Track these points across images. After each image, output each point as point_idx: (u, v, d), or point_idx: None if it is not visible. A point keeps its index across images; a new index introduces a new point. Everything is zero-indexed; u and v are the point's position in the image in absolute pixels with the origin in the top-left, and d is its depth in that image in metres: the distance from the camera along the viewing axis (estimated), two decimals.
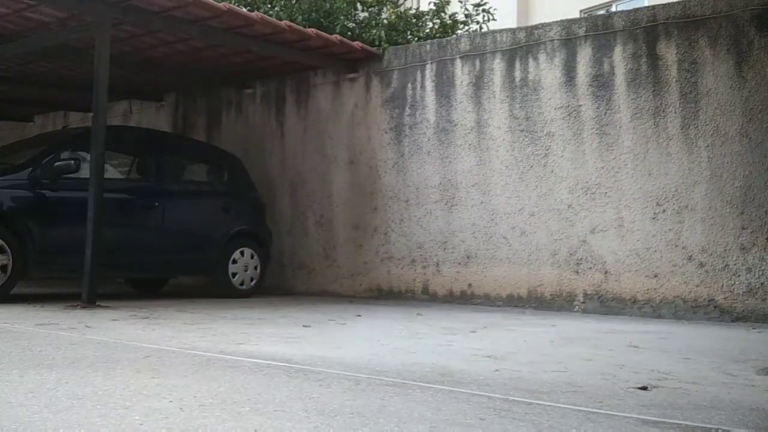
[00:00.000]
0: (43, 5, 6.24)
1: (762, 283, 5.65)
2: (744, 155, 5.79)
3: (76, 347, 3.52)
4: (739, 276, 5.73)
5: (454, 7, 9.84)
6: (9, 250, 5.87)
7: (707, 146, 5.94)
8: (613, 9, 12.13)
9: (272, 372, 2.94)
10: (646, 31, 6.29)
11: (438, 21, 9.43)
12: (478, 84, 7.17)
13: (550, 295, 6.61)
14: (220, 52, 7.77)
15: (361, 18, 8.91)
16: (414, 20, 9.26)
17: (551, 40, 6.78)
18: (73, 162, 6.27)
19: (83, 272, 5.94)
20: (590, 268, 6.40)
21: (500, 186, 6.96)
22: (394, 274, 7.62)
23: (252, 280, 7.62)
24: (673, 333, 4.87)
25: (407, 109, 7.65)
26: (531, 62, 6.87)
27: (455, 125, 7.29)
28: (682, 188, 6.03)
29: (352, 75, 8.08)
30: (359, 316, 5.66)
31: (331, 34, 7.66)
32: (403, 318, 5.59)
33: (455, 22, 9.55)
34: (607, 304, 6.30)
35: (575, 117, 6.57)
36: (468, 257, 7.12)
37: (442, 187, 7.32)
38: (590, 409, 2.38)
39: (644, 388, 2.79)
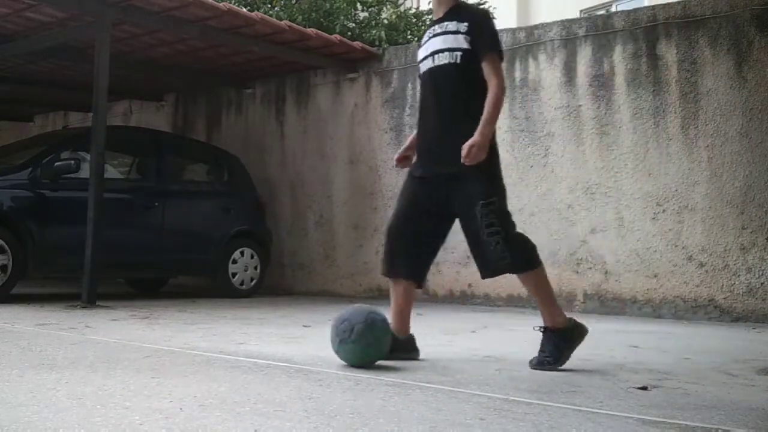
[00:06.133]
0: (43, 5, 6.24)
1: (762, 283, 5.65)
2: (744, 155, 5.79)
3: (76, 347, 3.52)
4: (739, 276, 5.73)
5: None
6: (9, 250, 5.87)
7: (707, 146, 5.94)
8: (613, 9, 12.13)
9: (272, 372, 2.93)
10: (646, 31, 6.29)
11: None
12: None
13: None
14: (220, 52, 7.78)
15: (361, 18, 8.92)
16: (414, 20, 9.26)
17: (551, 40, 6.78)
18: (73, 162, 6.26)
19: (83, 272, 5.94)
20: (590, 268, 6.40)
21: None
22: None
23: (252, 280, 7.62)
24: (673, 333, 4.87)
25: (407, 109, 7.64)
26: (531, 62, 6.87)
27: None
28: (682, 188, 6.03)
29: (352, 75, 8.07)
30: None
31: (331, 34, 7.66)
32: None
33: None
34: (607, 304, 6.30)
35: (575, 117, 6.57)
36: (468, 257, 7.06)
37: None
38: (590, 409, 2.38)
39: (644, 388, 2.79)
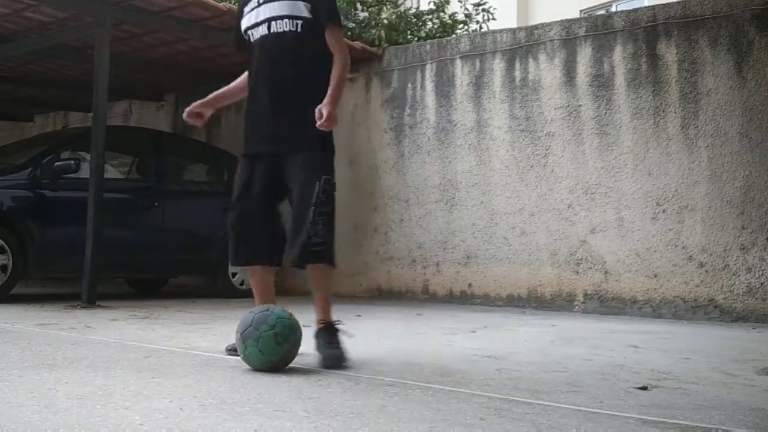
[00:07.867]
0: (43, 5, 6.25)
1: (762, 283, 5.65)
2: (744, 155, 5.79)
3: (76, 347, 3.52)
4: (739, 276, 5.73)
5: (454, 7, 9.84)
6: (9, 250, 5.87)
7: (707, 146, 5.94)
8: (613, 9, 12.13)
9: (272, 372, 2.93)
10: (646, 31, 6.29)
11: (438, 21, 9.43)
12: (478, 84, 7.17)
13: (550, 295, 6.61)
14: (220, 52, 7.77)
15: (361, 18, 8.91)
16: (414, 20, 9.26)
17: (551, 40, 6.78)
18: (73, 162, 6.27)
19: (83, 272, 5.94)
20: (590, 268, 6.40)
21: (500, 186, 6.96)
22: (394, 274, 7.61)
23: None
24: (673, 333, 4.87)
25: (407, 109, 7.64)
26: (531, 62, 6.87)
27: (455, 125, 7.29)
28: (682, 188, 6.03)
29: (352, 75, 8.05)
30: (359, 316, 5.66)
31: None
32: (403, 318, 5.59)
33: (455, 21, 9.55)
34: (607, 304, 6.30)
35: (575, 117, 6.57)
36: (468, 257, 7.12)
37: (442, 187, 7.32)
38: (590, 409, 2.38)
39: (644, 388, 2.79)
